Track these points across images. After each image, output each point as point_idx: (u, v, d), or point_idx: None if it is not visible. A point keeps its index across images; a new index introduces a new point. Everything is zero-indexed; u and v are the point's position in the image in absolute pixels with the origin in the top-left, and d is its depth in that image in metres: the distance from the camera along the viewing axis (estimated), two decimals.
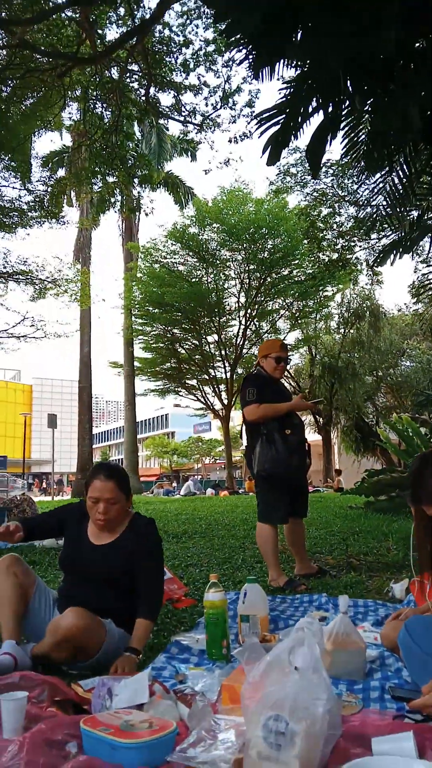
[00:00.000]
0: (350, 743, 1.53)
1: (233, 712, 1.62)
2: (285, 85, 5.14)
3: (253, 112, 9.40)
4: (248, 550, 4.85)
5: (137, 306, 19.57)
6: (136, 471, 21.30)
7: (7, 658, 2.12)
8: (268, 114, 4.76)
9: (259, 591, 2.53)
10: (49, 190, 11.81)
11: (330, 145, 5.01)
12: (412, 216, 5.36)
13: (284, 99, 4.68)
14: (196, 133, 10.13)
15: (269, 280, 18.44)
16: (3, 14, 7.60)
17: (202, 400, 21.72)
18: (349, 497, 9.83)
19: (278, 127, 4.77)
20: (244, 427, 3.80)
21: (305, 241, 15.28)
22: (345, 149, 5.41)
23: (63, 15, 8.14)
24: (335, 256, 12.96)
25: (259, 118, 4.76)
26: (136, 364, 21.61)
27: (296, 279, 18.34)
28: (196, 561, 4.51)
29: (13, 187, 11.29)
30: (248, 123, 9.68)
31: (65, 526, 2.54)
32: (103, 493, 2.37)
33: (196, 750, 1.43)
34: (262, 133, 4.82)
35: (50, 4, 7.85)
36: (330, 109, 4.79)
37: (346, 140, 5.31)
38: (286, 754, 1.35)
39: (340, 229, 12.51)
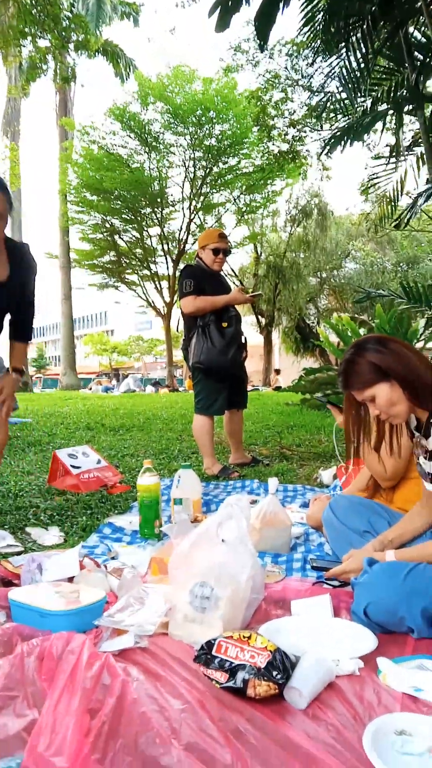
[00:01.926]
0: (272, 606, 1.64)
1: (161, 582, 1.69)
2: None
3: None
4: (185, 442, 4.95)
5: (73, 191, 18.25)
6: (74, 367, 20.99)
7: None
8: None
9: (192, 475, 2.59)
10: None
11: (282, 12, 4.57)
12: (366, 105, 5.10)
13: None
14: None
15: (216, 170, 17.50)
16: None
17: (143, 296, 21.20)
18: (286, 395, 10.13)
19: None
20: (181, 320, 3.72)
21: (255, 129, 14.45)
22: (302, 21, 4.95)
23: None
24: (285, 147, 12.38)
25: None
26: (72, 255, 20.53)
27: (244, 170, 17.51)
28: (132, 452, 4.56)
29: None
30: None
31: None
32: None
33: (124, 614, 1.49)
34: None
35: None
36: None
37: (302, 12, 4.86)
38: (210, 616, 1.42)
39: (292, 117, 11.86)
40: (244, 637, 1.24)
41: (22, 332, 2.30)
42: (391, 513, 1.90)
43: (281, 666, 1.16)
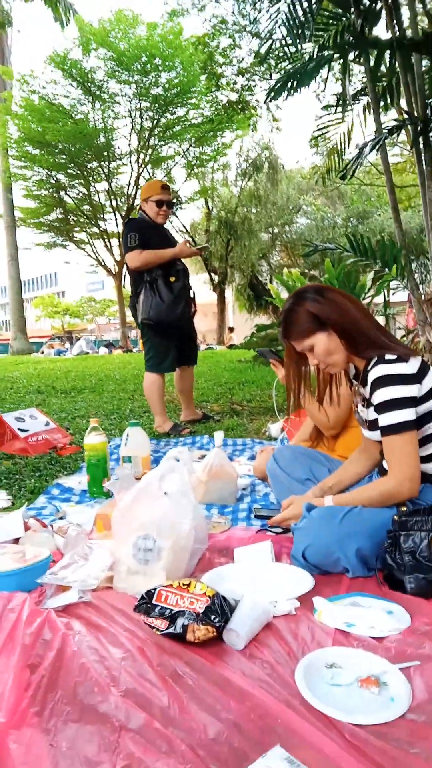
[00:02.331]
0: (215, 555, 1.68)
1: (107, 537, 1.70)
2: None
3: None
4: (137, 402, 4.93)
5: (14, 145, 17.30)
6: (24, 331, 20.39)
7: None
8: None
9: (140, 432, 2.59)
10: None
11: None
12: (313, 51, 4.96)
13: None
14: None
15: (163, 121, 16.85)
16: None
17: (93, 256, 20.58)
18: (239, 352, 10.17)
19: None
20: (127, 275, 3.63)
21: (203, 78, 13.97)
22: None
23: None
24: (234, 96, 12.06)
25: None
26: (17, 213, 19.64)
27: (193, 122, 16.94)
28: (83, 413, 4.51)
29: None
30: None
31: None
32: None
33: (67, 571, 1.49)
34: None
35: None
36: None
37: None
38: (153, 567, 1.44)
39: (240, 65, 11.51)
40: (183, 584, 1.26)
41: None
42: (332, 461, 1.96)
43: (219, 610, 1.19)
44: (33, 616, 1.22)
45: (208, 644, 1.18)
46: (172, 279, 3.50)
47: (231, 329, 22.90)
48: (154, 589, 1.26)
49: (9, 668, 1.06)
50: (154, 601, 1.24)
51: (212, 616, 1.18)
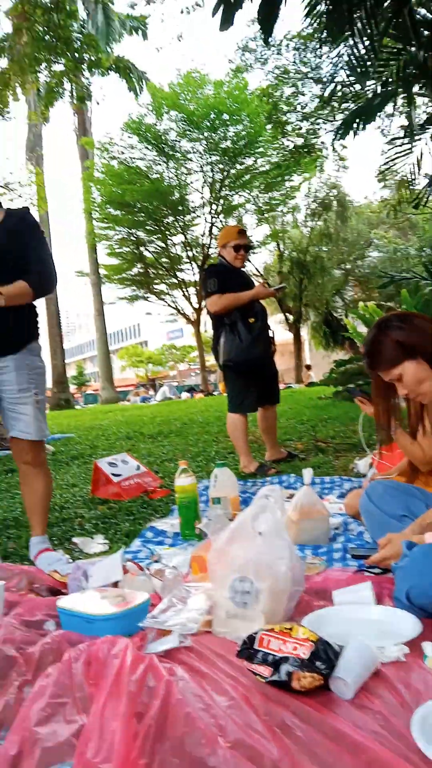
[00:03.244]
0: (313, 597, 1.62)
1: (203, 580, 1.69)
2: None
3: None
4: (221, 443, 4.96)
5: (98, 208, 18.57)
6: (112, 381, 21.30)
7: None
8: None
9: (228, 473, 2.60)
10: None
11: (285, 3, 4.55)
12: (376, 88, 5.03)
13: None
14: (146, 5, 9.16)
15: (233, 171, 17.51)
16: None
17: (172, 305, 21.35)
18: (318, 389, 10.04)
19: None
20: (205, 321, 3.74)
21: (268, 127, 14.43)
22: (305, 11, 4.92)
23: None
24: (300, 141, 12.32)
25: None
26: (101, 271, 20.88)
27: (261, 169, 17.46)
28: (170, 457, 4.60)
29: None
30: None
31: None
32: None
33: (167, 615, 1.50)
34: None
35: None
36: None
37: (305, 3, 4.83)
38: (252, 610, 1.42)
39: (304, 111, 11.79)
40: (285, 629, 1.23)
41: (27, 275, 2.21)
42: (428, 495, 1.86)
43: (325, 656, 1.15)
44: (136, 662, 1.22)
45: (314, 693, 1.13)
46: (251, 320, 3.56)
47: (308, 367, 22.70)
48: (255, 633, 1.24)
49: (117, 716, 1.06)
50: (256, 647, 1.21)
51: (318, 663, 1.14)
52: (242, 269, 3.81)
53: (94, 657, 1.27)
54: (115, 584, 1.79)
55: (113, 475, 3.34)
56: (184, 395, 20.81)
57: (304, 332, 24.89)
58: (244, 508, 2.77)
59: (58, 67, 11.01)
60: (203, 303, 19.08)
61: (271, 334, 3.67)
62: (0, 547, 2.40)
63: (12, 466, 4.67)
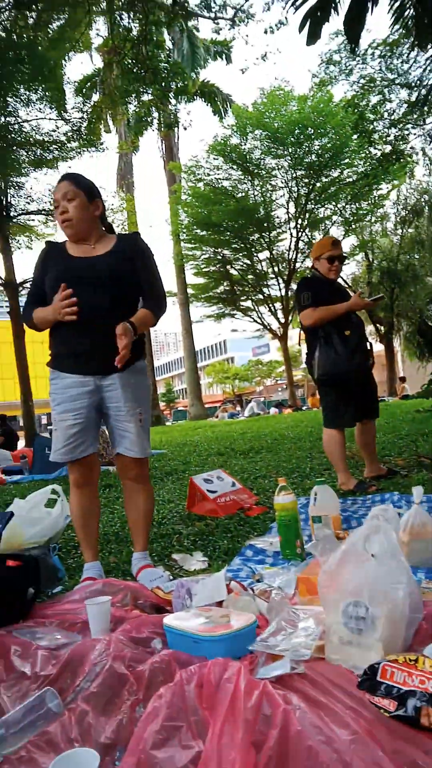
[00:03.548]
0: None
1: (311, 603, 1.62)
2: None
3: None
4: (315, 459, 4.85)
5: (185, 230, 19.11)
6: (200, 398, 21.63)
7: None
8: None
9: (329, 491, 2.51)
10: (85, 117, 11.33)
11: (372, 12, 4.46)
12: None
13: None
14: (229, 29, 9.37)
15: (318, 184, 17.38)
16: None
17: (259, 321, 21.41)
18: (415, 402, 9.60)
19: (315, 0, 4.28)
20: (302, 334, 3.67)
21: (355, 137, 14.21)
22: (392, 19, 4.81)
23: None
24: (388, 148, 12.01)
25: None
26: (189, 290, 21.41)
27: (347, 180, 17.19)
28: (264, 473, 4.55)
29: (50, 119, 10.90)
30: (284, 7, 8.80)
31: (47, 269, 2.32)
32: (59, 192, 2.27)
33: (277, 638, 1.44)
34: (297, 9, 4.35)
35: None
36: None
37: (392, 10, 4.72)
38: (368, 638, 1.33)
39: (392, 118, 11.48)
40: (410, 660, 1.14)
41: (145, 301, 2.33)
42: None
43: None
44: (251, 688, 1.18)
45: None
46: (347, 332, 3.45)
47: (402, 379, 21.81)
48: (378, 664, 1.15)
49: (235, 745, 1.02)
50: (378, 678, 1.13)
51: None
52: (336, 281, 3.71)
53: (206, 680, 1.24)
54: (220, 603, 1.77)
55: (209, 491, 3.35)
56: (273, 410, 20.69)
57: (397, 343, 24.01)
58: (345, 527, 2.68)
59: (147, 97, 11.51)
60: (290, 317, 19.06)
61: (368, 347, 3.54)
62: (102, 561, 2.45)
63: (109, 481, 4.82)
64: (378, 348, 22.65)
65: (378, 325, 22.19)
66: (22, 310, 2.49)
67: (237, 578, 2.15)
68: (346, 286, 21.46)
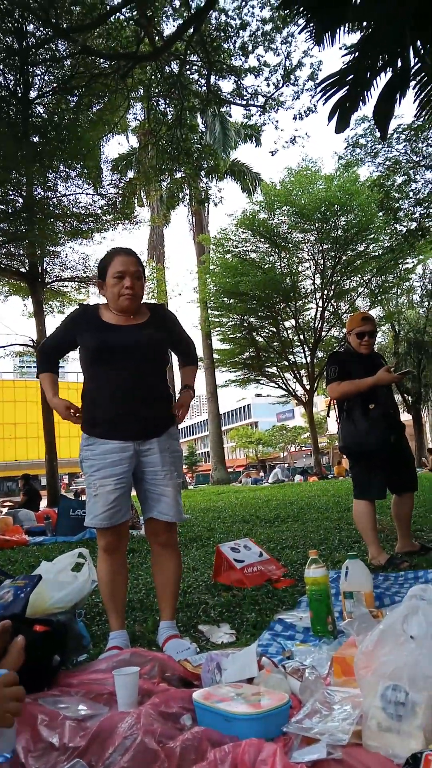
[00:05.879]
0: None
1: (346, 684, 1.58)
2: (347, 50, 4.94)
3: (316, 85, 9.14)
4: (344, 531, 4.75)
5: (212, 298, 19.68)
6: (223, 462, 21.50)
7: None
8: (332, 80, 4.61)
9: (361, 566, 2.45)
10: (120, 192, 12.06)
11: (399, 104, 4.77)
12: None
13: (348, 65, 4.50)
14: (260, 116, 10.02)
15: (344, 258, 17.88)
16: (64, 24, 7.85)
17: (284, 387, 21.52)
18: None
19: (344, 91, 4.60)
20: (331, 403, 3.72)
21: (380, 214, 14.70)
22: (418, 107, 5.11)
23: (121, 16, 8.30)
24: (414, 225, 12.37)
25: (323, 85, 4.62)
26: (215, 356, 21.77)
27: (373, 254, 17.66)
28: (291, 543, 4.47)
29: (87, 194, 11.62)
30: (312, 97, 9.43)
31: (78, 331, 2.37)
32: (128, 266, 2.32)
33: (313, 721, 1.40)
34: (326, 100, 4.67)
35: (107, 7, 8.02)
36: (399, 64, 4.56)
37: (418, 99, 5.03)
38: (408, 725, 1.29)
39: (417, 197, 11.91)
40: None
41: (185, 358, 2.60)
42: None
43: None
44: None
45: None
46: (371, 406, 3.47)
47: (431, 450, 21.41)
48: (420, 753, 1.12)
49: None
50: None
51: None
52: (370, 355, 3.74)
53: (240, 761, 1.21)
54: (250, 680, 1.72)
55: (236, 561, 3.30)
56: (297, 478, 20.39)
57: (425, 413, 23.75)
58: (378, 605, 2.60)
59: (179, 174, 12.20)
60: (315, 384, 19.08)
61: (397, 419, 3.55)
62: (127, 630, 2.41)
63: (133, 546, 4.77)
64: (405, 418, 22.44)
65: (405, 395, 22.07)
66: (36, 360, 2.59)
67: (267, 653, 2.10)
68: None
